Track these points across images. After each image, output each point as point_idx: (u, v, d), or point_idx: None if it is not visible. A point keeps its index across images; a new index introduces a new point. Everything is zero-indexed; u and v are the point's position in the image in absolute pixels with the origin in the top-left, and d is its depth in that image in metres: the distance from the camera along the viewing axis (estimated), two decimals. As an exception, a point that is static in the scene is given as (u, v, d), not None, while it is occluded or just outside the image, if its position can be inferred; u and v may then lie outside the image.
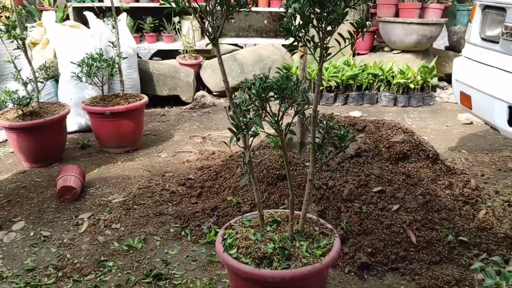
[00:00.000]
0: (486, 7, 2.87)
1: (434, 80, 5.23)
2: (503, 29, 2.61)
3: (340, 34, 1.56)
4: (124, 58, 3.55)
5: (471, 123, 4.52)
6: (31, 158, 3.28)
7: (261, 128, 1.47)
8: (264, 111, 1.48)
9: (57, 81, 4.01)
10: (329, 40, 1.57)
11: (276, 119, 1.50)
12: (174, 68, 4.88)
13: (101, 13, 3.74)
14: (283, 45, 5.51)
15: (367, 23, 1.55)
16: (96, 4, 5.07)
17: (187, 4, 1.56)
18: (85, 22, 4.56)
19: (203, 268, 2.24)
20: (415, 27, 5.01)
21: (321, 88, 4.89)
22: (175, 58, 5.35)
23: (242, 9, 1.61)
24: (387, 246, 2.30)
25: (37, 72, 3.33)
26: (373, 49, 5.81)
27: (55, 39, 3.84)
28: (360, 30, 1.55)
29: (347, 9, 1.48)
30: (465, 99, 2.97)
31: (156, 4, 5.33)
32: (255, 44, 5.70)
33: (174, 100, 4.94)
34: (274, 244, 1.70)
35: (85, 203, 2.85)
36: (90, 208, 2.79)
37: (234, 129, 1.60)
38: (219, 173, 3.04)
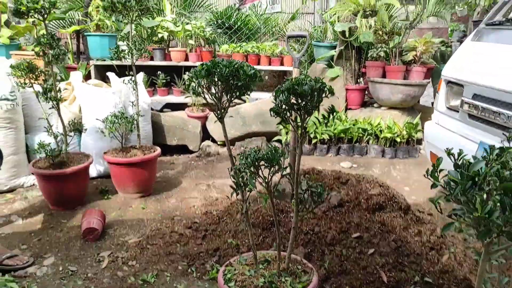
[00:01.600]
0: (449, 82, 3.41)
1: (419, 134, 5.74)
2: (461, 102, 3.13)
3: (316, 118, 2.08)
4: (141, 115, 4.08)
5: (451, 175, 4.98)
6: (58, 202, 3.75)
7: (254, 188, 1.95)
8: (257, 175, 1.97)
9: (80, 132, 4.55)
10: (307, 120, 2.07)
11: (266, 181, 1.99)
12: (183, 120, 5.43)
13: (120, 71, 4.30)
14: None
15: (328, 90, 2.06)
16: (115, 62, 5.68)
17: (203, 94, 2.08)
18: (104, 78, 5.16)
19: (206, 299, 2.66)
20: (400, 87, 5.58)
21: (315, 140, 5.42)
22: (183, 109, 5.91)
23: (243, 96, 2.13)
24: (362, 284, 2.72)
25: (66, 126, 3.86)
26: (364, 104, 6.36)
27: (81, 96, 4.40)
28: (331, 113, 2.06)
29: (319, 101, 1.99)
30: (434, 158, 3.46)
31: (168, 63, 5.95)
32: (257, 99, 6.28)
33: (182, 149, 5.46)
34: (265, 279, 2.15)
35: (105, 242, 3.30)
36: (109, 247, 3.24)
37: (235, 186, 2.09)
38: (221, 218, 3.51)
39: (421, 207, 4.09)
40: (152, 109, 5.88)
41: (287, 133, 5.37)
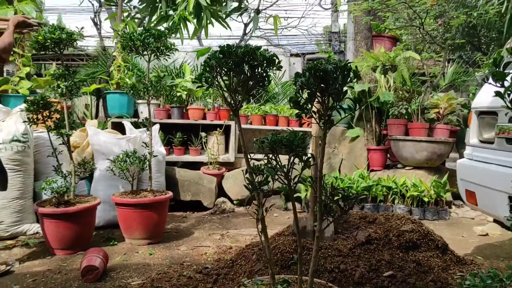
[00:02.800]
0: (481, 113, 3.20)
1: (448, 195, 5.39)
2: (496, 129, 2.90)
3: (340, 106, 1.87)
4: (155, 156, 3.92)
5: (487, 234, 4.57)
6: (60, 244, 3.47)
7: (271, 175, 1.70)
8: (275, 162, 1.73)
9: (90, 180, 4.37)
10: (331, 113, 1.86)
11: (285, 170, 1.75)
12: (198, 175, 5.24)
13: (137, 125, 4.24)
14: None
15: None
16: (132, 119, 5.67)
17: (216, 83, 1.91)
18: (122, 133, 5.09)
19: None
20: (425, 144, 5.36)
21: (336, 198, 5.10)
22: (199, 169, 5.73)
23: (259, 88, 1.95)
24: (399, 328, 2.32)
25: (76, 167, 3.69)
26: (386, 166, 6.11)
27: (94, 141, 4.28)
28: (357, 103, 1.86)
29: (346, 88, 1.80)
30: (470, 196, 3.15)
31: (186, 121, 5.90)
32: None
33: (196, 206, 5.19)
34: (284, 299, 1.81)
35: (105, 284, 2.96)
36: (110, 288, 2.90)
37: (250, 188, 1.84)
38: (235, 261, 3.15)
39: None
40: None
41: (306, 189, 5.10)
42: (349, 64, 1.77)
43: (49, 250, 3.57)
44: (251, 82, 1.91)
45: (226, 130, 5.99)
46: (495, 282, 1.10)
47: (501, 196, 2.75)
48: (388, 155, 6.20)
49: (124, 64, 5.70)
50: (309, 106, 1.85)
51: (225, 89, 1.93)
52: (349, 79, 1.81)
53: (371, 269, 2.67)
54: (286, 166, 1.75)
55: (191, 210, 5.18)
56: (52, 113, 3.64)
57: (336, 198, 1.90)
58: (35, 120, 3.54)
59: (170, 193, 3.87)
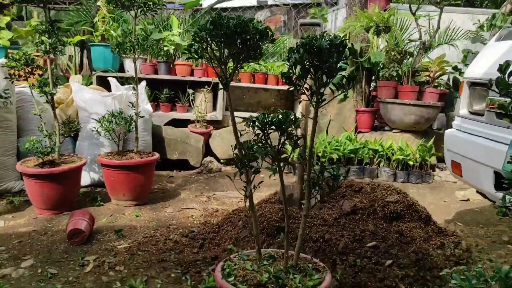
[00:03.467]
0: (472, 84, 3.16)
1: (433, 159, 5.45)
2: (487, 102, 2.88)
3: (333, 84, 1.82)
4: (141, 117, 3.84)
5: (468, 200, 4.66)
6: (45, 204, 3.45)
7: (260, 155, 1.67)
8: (265, 142, 1.70)
9: (74, 138, 4.29)
10: (324, 90, 1.81)
11: (275, 149, 1.71)
12: (185, 134, 5.18)
13: (123, 81, 4.13)
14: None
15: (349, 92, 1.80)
16: (119, 74, 5.52)
17: (206, 54, 1.83)
18: (108, 89, 4.96)
19: (201, 307, 2.31)
20: (413, 108, 5.35)
21: (323, 160, 5.13)
22: (186, 127, 5.67)
23: (250, 61, 1.88)
24: (379, 298, 2.39)
25: (60, 126, 3.61)
26: (374, 128, 6.12)
27: (78, 98, 4.17)
28: (351, 81, 1.81)
29: (339, 64, 1.74)
30: (456, 167, 3.17)
31: (173, 77, 5.77)
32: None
33: (183, 165, 5.18)
34: (269, 274, 1.83)
35: (92, 247, 2.97)
36: (96, 251, 2.91)
37: (239, 165, 1.81)
38: (222, 226, 3.18)
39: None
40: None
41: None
42: (345, 41, 1.71)
43: (34, 210, 3.55)
44: (243, 55, 1.84)
45: (214, 88, 5.89)
46: (480, 283, 1.11)
47: (487, 170, 2.78)
48: (376, 117, 6.19)
49: (109, 15, 5.47)
50: (302, 82, 1.80)
51: (215, 62, 1.85)
52: (343, 56, 1.75)
53: (355, 239, 2.71)
54: (276, 146, 1.72)
55: (178, 169, 5.17)
56: (34, 69, 3.51)
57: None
58: (17, 77, 3.42)
59: (156, 155, 3.84)
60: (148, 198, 3.91)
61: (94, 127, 3.69)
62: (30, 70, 3.46)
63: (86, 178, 4.13)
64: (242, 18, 1.74)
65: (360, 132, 5.94)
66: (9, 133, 3.94)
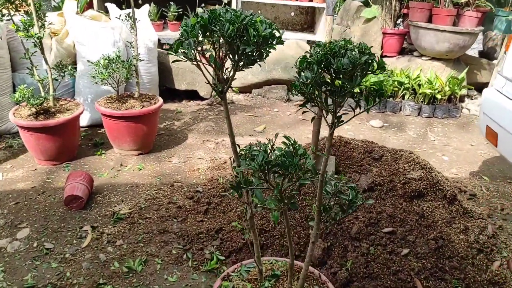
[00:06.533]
0: (524, 40, 2.67)
1: (463, 91, 5.01)
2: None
3: (354, 99, 1.46)
4: (141, 60, 3.46)
5: (497, 143, 4.32)
6: (43, 156, 3.26)
7: (260, 202, 1.39)
8: (266, 183, 1.40)
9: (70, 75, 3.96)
10: (342, 106, 1.45)
11: (279, 189, 1.42)
12: (194, 63, 4.78)
13: (128, 4, 3.62)
14: (308, 42, 5.34)
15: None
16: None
17: (197, 58, 1.45)
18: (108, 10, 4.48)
19: (200, 303, 2.20)
20: (448, 35, 4.77)
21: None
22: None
23: (251, 65, 1.50)
24: (391, 294, 2.23)
25: (53, 69, 3.28)
26: (402, 51, 5.58)
27: (74, 31, 3.76)
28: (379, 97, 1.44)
29: (358, 79, 1.36)
30: (491, 135, 2.81)
31: (181, -8, 5.18)
32: (279, 39, 5.52)
33: (192, 95, 4.86)
34: (271, 306, 1.65)
35: (90, 212, 2.83)
36: (95, 218, 2.77)
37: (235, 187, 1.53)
38: (228, 190, 2.98)
39: (463, 184, 3.51)
40: (162, 43, 5.19)
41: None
42: (371, 58, 1.31)
43: (33, 158, 3.38)
44: (242, 63, 1.46)
45: (228, 6, 5.30)
46: None
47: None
48: (406, 38, 5.60)
49: None
50: (315, 97, 1.44)
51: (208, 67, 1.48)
52: (369, 70, 1.37)
53: (370, 222, 2.49)
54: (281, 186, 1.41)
55: (186, 99, 4.86)
56: (19, 5, 3.10)
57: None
58: (1, 17, 3.02)
59: (160, 101, 3.51)
60: (152, 145, 3.68)
61: (90, 73, 3.34)
62: (14, 7, 3.04)
63: (87, 118, 3.89)
64: (241, 18, 1.33)
65: (385, 56, 5.42)
66: (2, 70, 3.62)
